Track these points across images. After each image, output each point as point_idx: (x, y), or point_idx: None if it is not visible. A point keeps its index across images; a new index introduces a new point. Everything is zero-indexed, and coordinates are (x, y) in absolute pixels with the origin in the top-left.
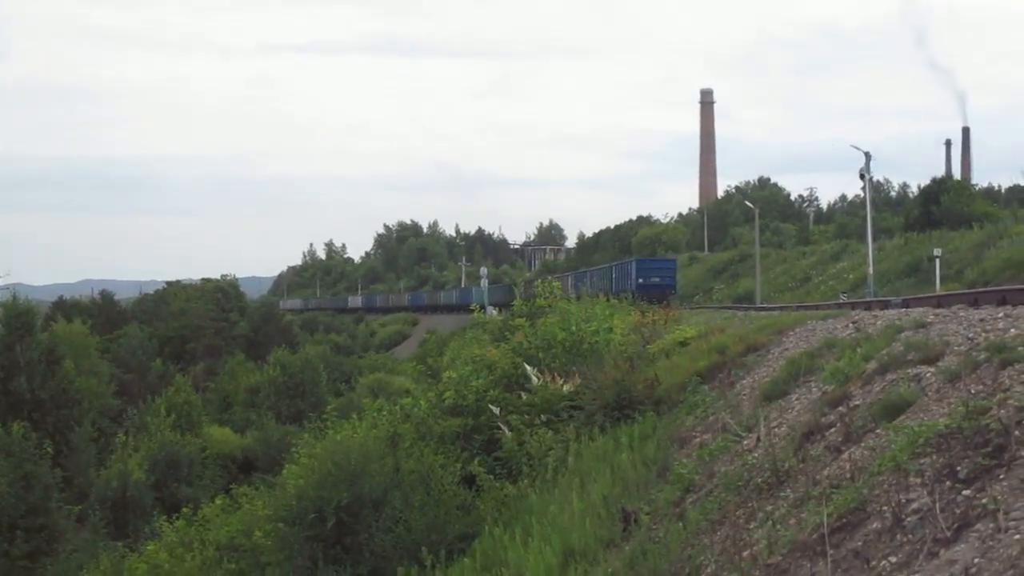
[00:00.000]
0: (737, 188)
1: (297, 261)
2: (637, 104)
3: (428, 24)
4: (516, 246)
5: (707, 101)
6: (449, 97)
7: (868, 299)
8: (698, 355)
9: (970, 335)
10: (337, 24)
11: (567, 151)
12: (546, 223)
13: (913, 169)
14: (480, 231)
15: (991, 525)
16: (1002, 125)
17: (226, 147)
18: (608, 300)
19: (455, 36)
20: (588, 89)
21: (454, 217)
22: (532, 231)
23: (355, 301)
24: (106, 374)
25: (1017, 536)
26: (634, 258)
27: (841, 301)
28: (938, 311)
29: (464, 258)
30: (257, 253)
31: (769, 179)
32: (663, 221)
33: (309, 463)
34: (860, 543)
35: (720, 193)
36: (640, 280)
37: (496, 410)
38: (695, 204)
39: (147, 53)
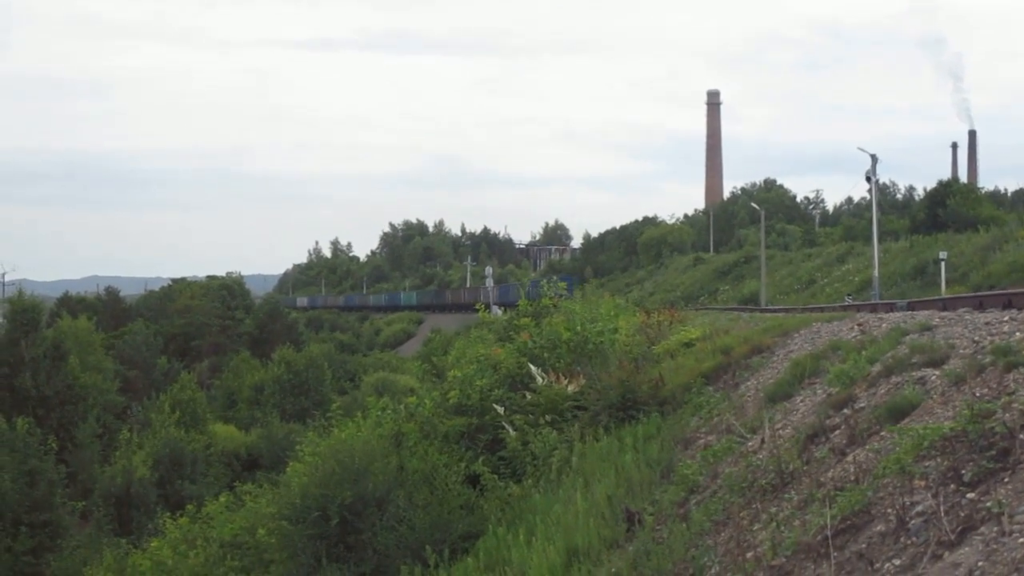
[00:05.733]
0: (743, 189)
1: (303, 259)
2: (643, 102)
3: (433, 20)
4: (521, 246)
5: (714, 102)
6: (455, 93)
7: (873, 302)
8: (703, 356)
9: (975, 338)
10: (342, 19)
11: (573, 150)
12: (552, 223)
13: (919, 172)
14: (486, 230)
15: (995, 528)
16: (1010, 127)
17: (232, 143)
18: None
19: (461, 32)
20: (594, 87)
21: (460, 216)
22: (538, 231)
23: (301, 302)
24: (111, 371)
25: (1021, 539)
26: (534, 279)
27: (846, 303)
28: (943, 314)
29: (469, 257)
30: (263, 251)
31: (775, 181)
32: (669, 222)
33: (313, 461)
34: (864, 545)
35: (726, 194)
36: None
37: (501, 410)
38: (701, 205)
39: (150, 46)
